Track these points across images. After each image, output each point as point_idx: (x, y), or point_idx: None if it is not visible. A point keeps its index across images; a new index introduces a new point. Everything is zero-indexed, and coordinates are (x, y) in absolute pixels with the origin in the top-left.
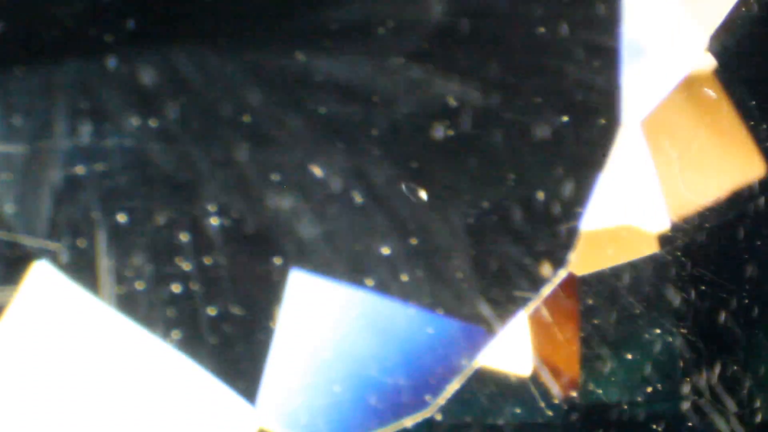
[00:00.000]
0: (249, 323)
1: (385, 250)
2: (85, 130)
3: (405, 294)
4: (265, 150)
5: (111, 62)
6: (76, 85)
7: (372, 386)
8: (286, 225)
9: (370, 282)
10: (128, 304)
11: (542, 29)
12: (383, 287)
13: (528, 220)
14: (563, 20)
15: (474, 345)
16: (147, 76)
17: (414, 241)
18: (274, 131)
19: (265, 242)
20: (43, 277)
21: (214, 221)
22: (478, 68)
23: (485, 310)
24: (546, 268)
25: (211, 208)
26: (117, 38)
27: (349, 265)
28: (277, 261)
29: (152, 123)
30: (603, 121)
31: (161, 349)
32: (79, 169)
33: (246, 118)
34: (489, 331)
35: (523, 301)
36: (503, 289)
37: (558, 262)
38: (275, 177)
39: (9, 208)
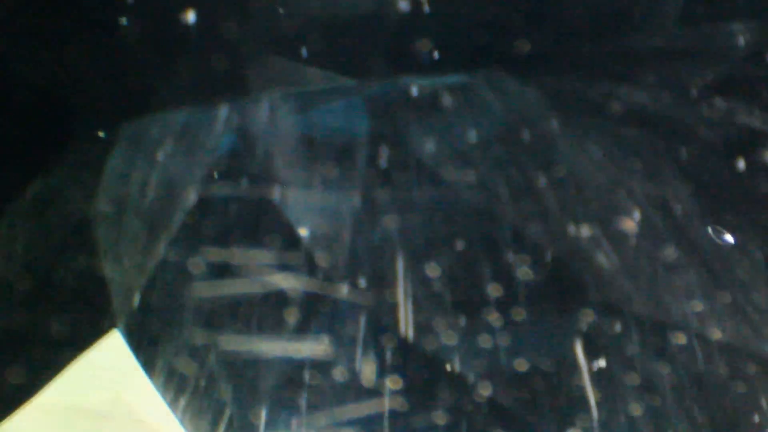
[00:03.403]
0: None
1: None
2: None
3: None
4: (563, 179)
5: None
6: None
7: None
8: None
9: None
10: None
11: None
12: None
13: None
14: None
15: None
16: (447, 100)
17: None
18: (571, 158)
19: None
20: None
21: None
22: None
23: None
24: None
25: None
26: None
27: None
28: None
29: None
30: None
31: None
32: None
33: (542, 144)
34: None
35: None
36: None
37: None
38: (575, 205)
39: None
